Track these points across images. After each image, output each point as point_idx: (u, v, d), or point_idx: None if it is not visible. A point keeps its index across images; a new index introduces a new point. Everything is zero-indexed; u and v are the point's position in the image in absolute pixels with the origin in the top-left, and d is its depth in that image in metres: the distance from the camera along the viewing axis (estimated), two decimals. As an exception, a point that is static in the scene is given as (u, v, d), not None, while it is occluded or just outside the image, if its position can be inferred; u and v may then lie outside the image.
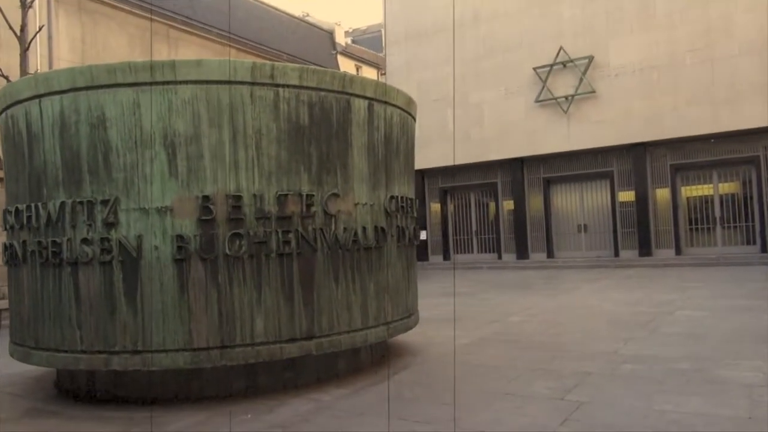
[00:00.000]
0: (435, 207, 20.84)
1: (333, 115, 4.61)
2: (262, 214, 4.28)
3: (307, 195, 4.44)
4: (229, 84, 4.20)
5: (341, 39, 30.40)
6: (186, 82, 4.14)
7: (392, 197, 5.11)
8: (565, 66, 17.66)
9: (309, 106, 4.48)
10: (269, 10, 23.92)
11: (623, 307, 8.49)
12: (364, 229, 4.78)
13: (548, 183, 18.71)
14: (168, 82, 4.12)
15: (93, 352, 4.20)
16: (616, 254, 17.35)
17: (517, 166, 18.80)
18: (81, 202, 4.20)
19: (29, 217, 4.42)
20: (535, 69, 18.01)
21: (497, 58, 18.68)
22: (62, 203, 4.26)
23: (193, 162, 4.16)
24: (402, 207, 5.28)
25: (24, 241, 4.50)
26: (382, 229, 4.96)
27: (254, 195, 4.26)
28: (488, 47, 18.78)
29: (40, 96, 4.34)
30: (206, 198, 4.16)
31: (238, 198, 4.22)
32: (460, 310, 9.13)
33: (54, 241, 4.29)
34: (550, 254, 18.43)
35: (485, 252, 19.81)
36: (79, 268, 4.23)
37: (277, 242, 4.32)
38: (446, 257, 20.36)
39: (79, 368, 4.34)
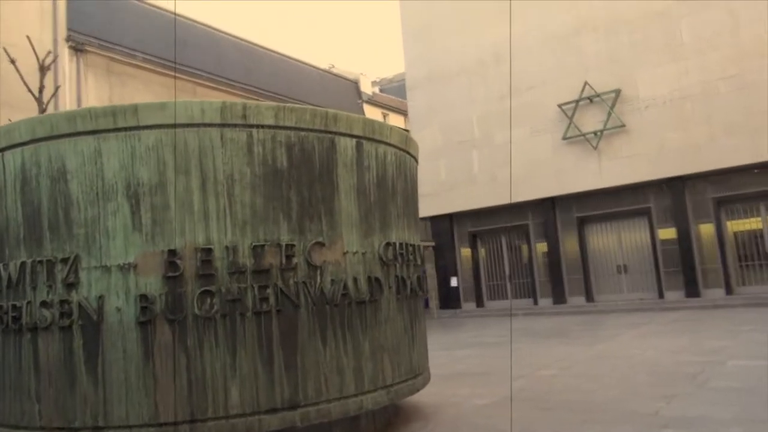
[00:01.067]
0: (465, 252, 20.13)
1: (315, 156, 4.19)
2: (235, 268, 3.83)
3: (286, 245, 3.98)
4: (197, 127, 3.85)
5: (367, 88, 30.61)
6: (150, 127, 3.80)
7: (389, 244, 4.61)
8: (591, 101, 17.09)
9: (287, 148, 4.08)
10: (294, 63, 24.32)
11: (668, 356, 7.65)
12: (355, 280, 4.27)
13: (582, 222, 17.86)
14: (130, 128, 3.79)
15: (52, 429, 3.76)
16: (661, 296, 16.24)
17: (548, 206, 18.07)
18: (41, 262, 3.85)
19: (-9, 280, 4.09)
20: (560, 105, 17.49)
21: (521, 97, 18.24)
22: (23, 263, 3.92)
23: (159, 213, 3.77)
24: (401, 254, 4.75)
25: (-13, 306, 4.16)
26: (377, 279, 4.43)
27: (226, 247, 3.83)
28: (511, 86, 18.39)
29: (2, 150, 4.08)
30: (173, 252, 3.74)
31: (209, 251, 3.79)
32: (486, 363, 8.43)
33: (14, 305, 3.93)
34: (589, 298, 17.42)
35: (520, 297, 18.88)
36: (38, 334, 3.84)
37: (253, 299, 3.85)
38: (479, 304, 19.50)
39: (37, 447, 3.90)
